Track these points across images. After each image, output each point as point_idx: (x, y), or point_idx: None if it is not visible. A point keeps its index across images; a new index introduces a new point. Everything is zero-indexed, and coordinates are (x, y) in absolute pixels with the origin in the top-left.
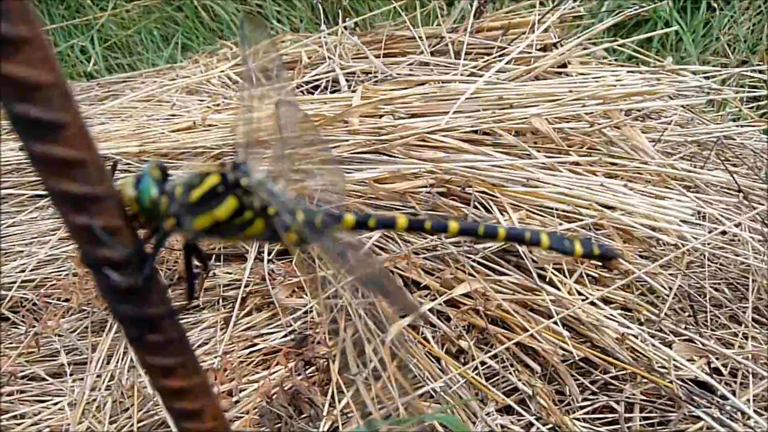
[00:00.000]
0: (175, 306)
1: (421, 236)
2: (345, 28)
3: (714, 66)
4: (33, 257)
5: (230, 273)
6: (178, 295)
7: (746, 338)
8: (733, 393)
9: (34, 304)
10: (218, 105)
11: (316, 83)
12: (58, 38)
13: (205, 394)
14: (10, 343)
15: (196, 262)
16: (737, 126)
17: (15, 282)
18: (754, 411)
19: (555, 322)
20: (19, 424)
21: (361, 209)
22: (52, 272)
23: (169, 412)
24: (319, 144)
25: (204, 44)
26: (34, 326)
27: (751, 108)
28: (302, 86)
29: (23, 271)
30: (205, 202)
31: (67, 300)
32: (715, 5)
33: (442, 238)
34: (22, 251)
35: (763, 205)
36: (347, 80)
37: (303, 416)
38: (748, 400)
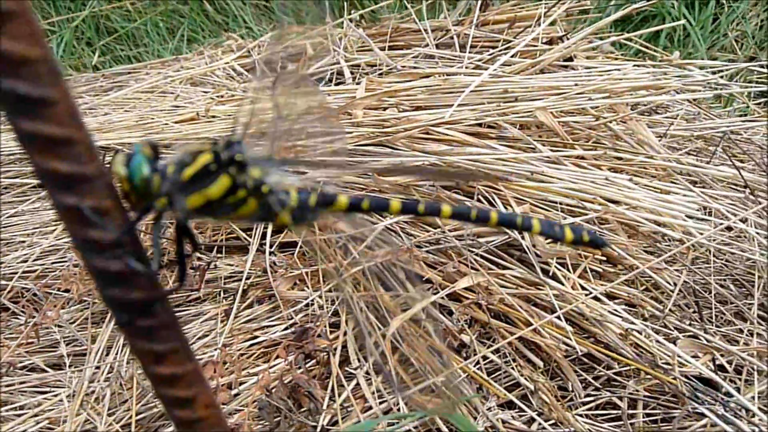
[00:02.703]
0: (166, 289)
1: (424, 229)
2: (350, 20)
3: (722, 62)
4: (35, 247)
5: (231, 265)
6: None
7: (751, 335)
8: (738, 390)
9: (35, 295)
10: (222, 96)
11: (321, 75)
12: (63, 27)
13: (198, 381)
14: (10, 334)
15: (186, 245)
16: (744, 121)
17: (16, 272)
18: (759, 408)
19: (558, 317)
20: (18, 416)
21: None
22: (53, 263)
23: (160, 399)
24: (328, 133)
25: (209, 37)
26: (33, 317)
27: (759, 104)
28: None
29: (25, 261)
30: (197, 181)
31: (67, 291)
32: (724, 1)
33: (446, 231)
34: (23, 241)
35: None
36: (352, 72)
37: (302, 410)
38: (753, 397)
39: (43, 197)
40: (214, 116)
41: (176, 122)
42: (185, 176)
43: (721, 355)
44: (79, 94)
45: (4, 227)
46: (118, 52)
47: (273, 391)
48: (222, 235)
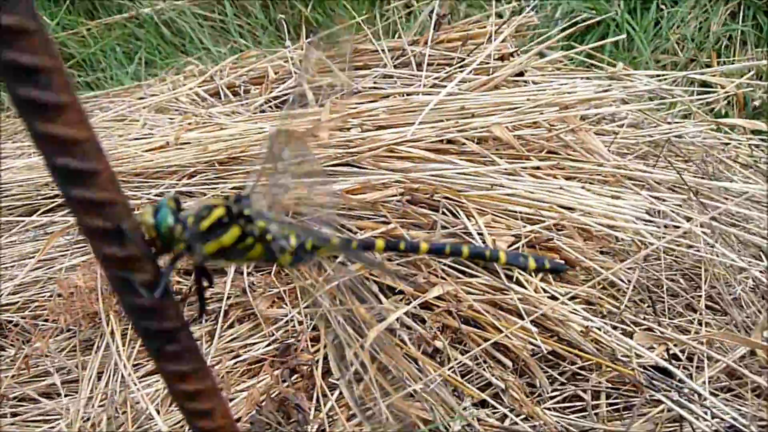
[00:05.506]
0: (188, 319)
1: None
2: (309, 43)
3: (664, 64)
4: (15, 280)
5: (211, 287)
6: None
7: (701, 324)
8: (690, 376)
9: (17, 326)
10: (190, 123)
11: (284, 98)
12: None
13: (216, 395)
14: (1, 367)
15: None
16: (683, 125)
17: None
18: (710, 392)
19: (521, 317)
20: None
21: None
22: (33, 294)
23: (183, 412)
24: (309, 162)
25: (167, 60)
26: (23, 349)
27: (700, 106)
28: (270, 101)
29: (12, 294)
30: (212, 231)
31: (54, 321)
32: (663, 6)
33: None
34: (3, 274)
35: (712, 200)
36: (314, 94)
37: (291, 421)
38: (704, 383)
39: (19, 231)
40: (185, 143)
41: (146, 151)
42: (202, 227)
43: (675, 345)
44: None
45: None
46: (75, 78)
47: (262, 405)
48: None
